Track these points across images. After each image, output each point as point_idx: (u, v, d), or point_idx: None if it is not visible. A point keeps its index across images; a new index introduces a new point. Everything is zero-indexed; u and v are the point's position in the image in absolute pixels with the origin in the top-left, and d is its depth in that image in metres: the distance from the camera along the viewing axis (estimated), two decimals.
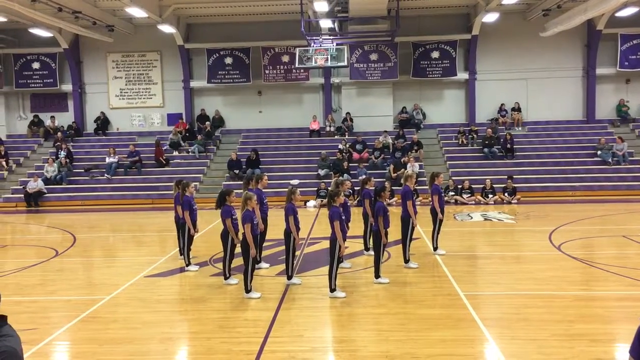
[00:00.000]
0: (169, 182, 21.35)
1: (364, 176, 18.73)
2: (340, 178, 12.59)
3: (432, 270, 10.30)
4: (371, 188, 10.68)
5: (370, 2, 19.09)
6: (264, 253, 10.98)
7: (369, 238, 11.06)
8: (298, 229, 9.07)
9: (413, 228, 10.44)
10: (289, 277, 9.29)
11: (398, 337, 6.85)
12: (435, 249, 11.43)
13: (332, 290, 8.58)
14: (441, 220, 11.28)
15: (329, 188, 10.84)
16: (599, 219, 15.97)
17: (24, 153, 25.57)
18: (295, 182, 21.99)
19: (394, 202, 18.68)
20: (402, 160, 22.00)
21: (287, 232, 9.03)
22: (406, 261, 10.41)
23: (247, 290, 8.64)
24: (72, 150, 24.50)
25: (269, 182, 21.71)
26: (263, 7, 23.63)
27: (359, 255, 11.47)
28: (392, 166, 21.78)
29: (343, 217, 8.59)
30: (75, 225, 17.18)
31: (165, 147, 24.45)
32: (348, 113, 25.33)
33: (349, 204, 10.39)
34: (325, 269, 9.84)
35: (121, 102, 26.54)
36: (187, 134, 25.24)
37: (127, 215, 19.65)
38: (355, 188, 18.57)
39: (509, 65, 25.01)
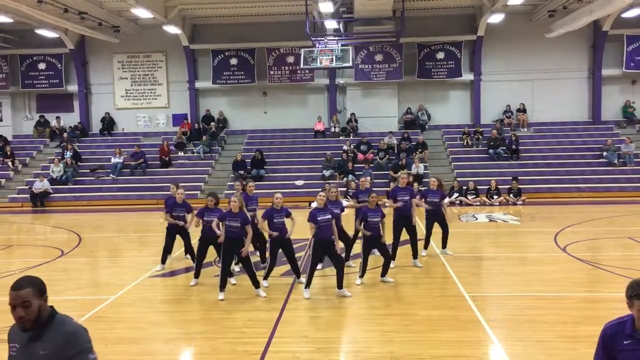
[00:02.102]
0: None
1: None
2: (329, 183, 12.49)
3: (437, 271, 10.28)
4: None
5: (375, 3, 19.09)
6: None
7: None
8: (278, 229, 9.12)
9: (399, 229, 10.36)
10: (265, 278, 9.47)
11: (403, 338, 6.84)
12: (444, 247, 11.47)
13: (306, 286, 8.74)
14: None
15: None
16: (604, 220, 15.90)
17: (30, 153, 25.68)
18: (299, 182, 22.03)
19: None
20: (399, 162, 21.94)
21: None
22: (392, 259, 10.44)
23: (257, 286, 8.82)
24: (77, 150, 24.59)
25: (274, 182, 22.05)
26: (268, 8, 23.66)
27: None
28: (391, 170, 21.81)
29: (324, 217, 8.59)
30: (80, 225, 17.22)
31: (170, 148, 24.48)
32: (353, 114, 25.32)
33: (344, 205, 10.52)
34: (327, 269, 10.00)
35: (126, 103, 26.61)
36: (192, 134, 25.28)
37: (133, 216, 19.70)
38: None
39: (515, 66, 24.94)
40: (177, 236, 10.79)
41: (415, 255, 10.57)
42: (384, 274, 9.44)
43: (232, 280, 9.50)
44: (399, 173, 10.94)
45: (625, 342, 3.17)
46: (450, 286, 9.18)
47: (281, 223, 9.14)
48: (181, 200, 10.68)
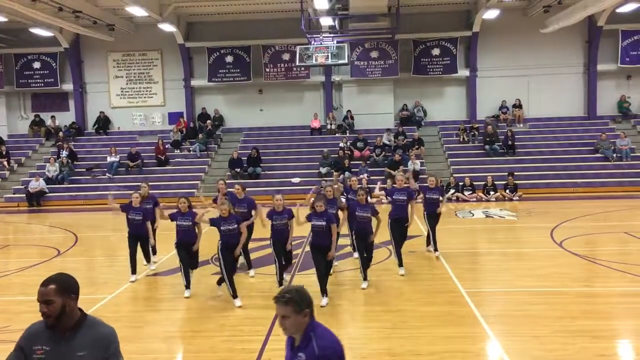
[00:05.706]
0: (171, 182, 21.44)
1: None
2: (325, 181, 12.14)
3: (434, 267, 10.30)
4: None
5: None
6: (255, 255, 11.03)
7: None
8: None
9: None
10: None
11: (400, 335, 6.87)
12: (428, 245, 11.47)
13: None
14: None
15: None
16: (600, 215, 15.95)
17: (26, 153, 25.59)
18: (296, 180, 22.03)
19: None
20: (394, 159, 21.92)
21: None
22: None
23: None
24: (73, 149, 24.52)
25: (271, 180, 22.03)
26: (263, 5, 23.59)
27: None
28: (386, 168, 21.78)
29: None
30: (77, 224, 17.20)
31: (166, 146, 24.43)
32: (349, 111, 25.31)
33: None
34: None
35: (122, 101, 26.53)
36: (188, 132, 25.22)
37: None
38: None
39: (510, 62, 24.94)
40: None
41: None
42: (364, 275, 9.11)
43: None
44: (395, 172, 10.64)
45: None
46: (447, 282, 9.20)
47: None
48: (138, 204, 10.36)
